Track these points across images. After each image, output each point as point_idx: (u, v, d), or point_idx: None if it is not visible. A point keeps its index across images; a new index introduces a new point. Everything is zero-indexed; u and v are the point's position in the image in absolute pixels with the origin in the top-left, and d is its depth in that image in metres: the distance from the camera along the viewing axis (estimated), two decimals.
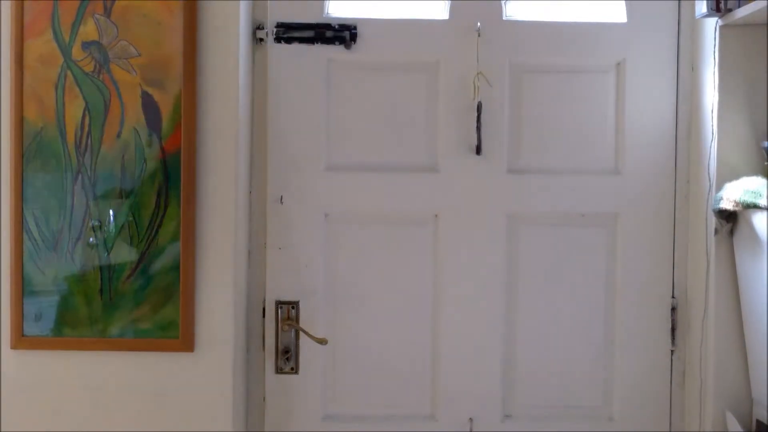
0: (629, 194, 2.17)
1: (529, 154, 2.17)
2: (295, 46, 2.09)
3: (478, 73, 2.11)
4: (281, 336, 2.11)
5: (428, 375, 2.16)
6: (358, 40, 2.10)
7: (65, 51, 1.91)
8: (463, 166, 2.14)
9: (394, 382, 2.15)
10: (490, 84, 2.10)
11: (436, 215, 2.15)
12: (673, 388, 2.19)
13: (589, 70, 2.18)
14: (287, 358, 2.11)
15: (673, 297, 2.18)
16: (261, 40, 2.10)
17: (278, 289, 2.12)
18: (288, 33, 2.10)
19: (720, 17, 2.00)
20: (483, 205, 2.15)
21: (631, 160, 2.17)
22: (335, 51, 2.10)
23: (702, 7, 2.01)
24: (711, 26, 2.05)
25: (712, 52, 2.04)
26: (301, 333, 2.10)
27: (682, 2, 2.16)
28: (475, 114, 2.11)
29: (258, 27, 2.09)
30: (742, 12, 1.92)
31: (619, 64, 2.15)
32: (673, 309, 2.17)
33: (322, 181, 2.12)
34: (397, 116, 2.14)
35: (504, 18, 2.14)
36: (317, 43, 2.10)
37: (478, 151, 2.12)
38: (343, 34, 2.10)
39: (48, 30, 1.90)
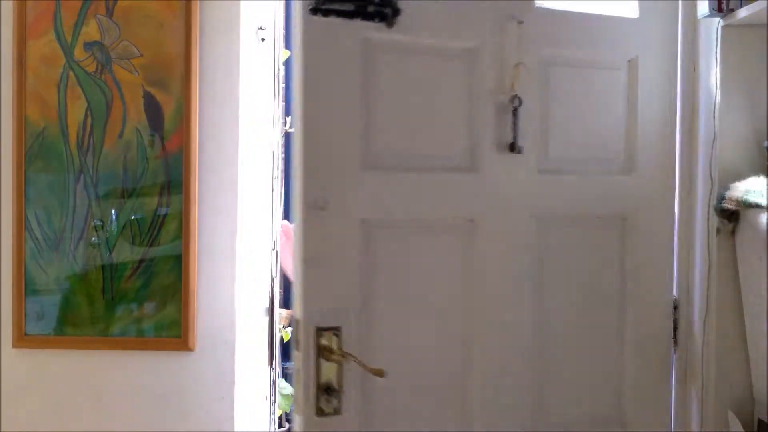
0: (640, 194, 2.13)
1: (554, 152, 2.03)
2: (331, 21, 1.79)
3: (517, 64, 1.90)
4: (323, 369, 1.70)
5: (467, 393, 1.92)
6: (399, 18, 1.83)
7: (67, 51, 1.91)
8: (500, 165, 1.94)
9: (433, 403, 1.91)
10: (530, 76, 1.91)
11: (472, 219, 1.93)
12: (675, 387, 2.19)
13: (605, 66, 2.07)
14: (328, 397, 1.71)
15: (674, 296, 2.17)
16: (263, 40, 2.10)
17: (316, 312, 1.72)
18: (326, 4, 1.81)
19: (722, 17, 2.00)
20: (518, 207, 1.98)
21: (641, 161, 2.13)
22: (374, 29, 1.82)
23: (704, 8, 2.01)
24: (712, 26, 2.04)
25: (714, 52, 2.04)
26: (340, 364, 1.73)
27: (684, 2, 2.16)
28: (511, 108, 1.92)
29: (260, 27, 2.10)
30: (743, 12, 1.91)
31: (631, 60, 2.11)
32: (675, 308, 2.17)
33: (359, 183, 1.84)
34: (434, 108, 1.92)
35: (536, 5, 1.96)
36: (356, 18, 1.81)
37: (513, 148, 1.93)
38: (385, 9, 1.84)
39: (50, 30, 1.91)
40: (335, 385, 1.68)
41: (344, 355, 1.66)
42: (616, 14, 2.09)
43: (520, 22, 1.89)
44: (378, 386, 1.72)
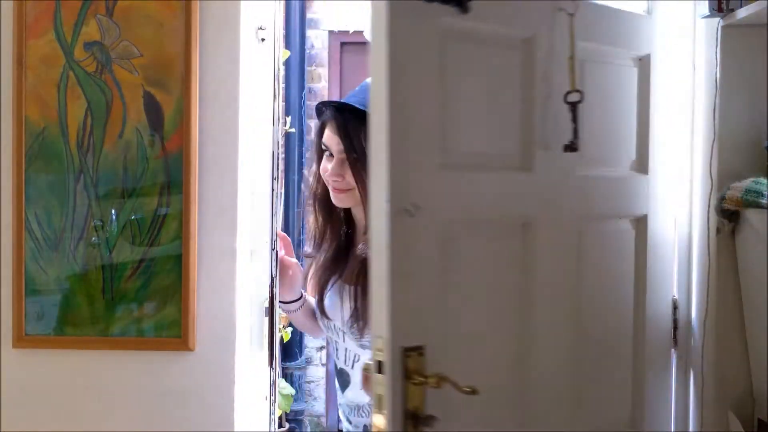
0: (654, 195, 2.11)
1: (588, 151, 1.89)
2: (413, 4, 1.56)
3: (569, 58, 1.77)
4: (412, 394, 1.47)
5: (533, 404, 1.82)
6: (471, 3, 1.63)
7: (67, 51, 1.91)
8: (556, 163, 1.82)
9: (510, 416, 1.80)
10: (575, 72, 1.78)
11: (531, 220, 1.81)
12: (675, 387, 2.19)
13: (624, 63, 2.03)
14: (416, 424, 1.48)
15: (674, 296, 2.17)
16: (263, 40, 2.10)
17: (402, 330, 1.50)
18: None
19: (722, 17, 2.00)
20: (569, 207, 1.88)
21: (653, 161, 2.10)
22: (450, 15, 1.61)
23: (704, 8, 2.01)
24: (712, 26, 2.05)
25: (714, 52, 2.04)
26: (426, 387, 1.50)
27: (684, 1, 2.15)
28: (569, 104, 1.78)
29: (260, 27, 2.10)
30: (743, 12, 1.92)
31: (641, 58, 2.07)
32: (675, 308, 2.17)
33: (438, 185, 1.61)
34: (502, 102, 1.76)
35: None
36: (434, 1, 1.60)
37: (573, 147, 1.78)
38: None
39: (50, 30, 1.91)
40: (421, 411, 1.48)
41: (441, 378, 1.46)
42: (634, 11, 2.06)
43: (571, 14, 1.79)
44: (465, 407, 1.54)
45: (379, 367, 1.46)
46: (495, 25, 1.72)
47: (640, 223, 2.07)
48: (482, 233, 1.71)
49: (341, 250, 2.25)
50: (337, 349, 2.26)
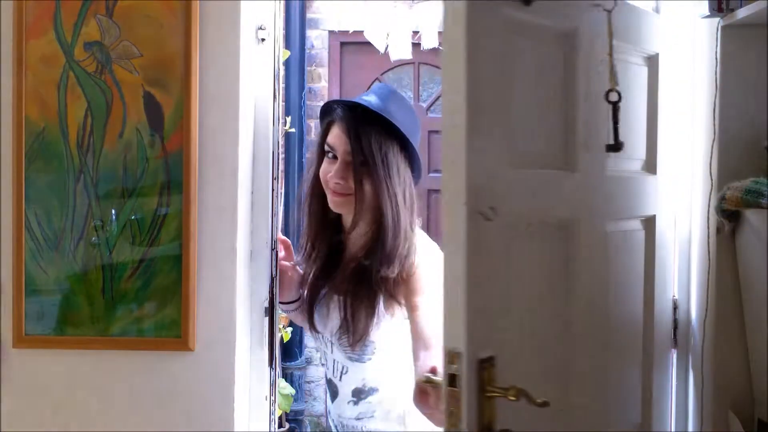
0: (662, 195, 2.09)
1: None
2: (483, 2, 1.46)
3: (608, 54, 1.71)
4: (486, 407, 1.40)
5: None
6: None
7: (67, 51, 1.91)
8: (599, 163, 1.79)
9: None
10: (613, 70, 1.72)
11: (570, 224, 1.74)
12: (675, 387, 2.19)
13: (633, 61, 1.98)
14: None
15: (674, 296, 2.17)
16: (263, 40, 2.10)
17: (477, 341, 1.41)
18: None
19: (722, 17, 2.00)
20: (602, 209, 1.85)
21: (660, 161, 2.08)
22: (513, 8, 1.54)
23: (704, 8, 2.01)
24: (712, 26, 2.05)
25: (714, 52, 2.04)
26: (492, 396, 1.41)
27: (684, 1, 2.15)
28: (610, 103, 1.71)
29: (260, 27, 2.10)
30: (743, 12, 1.92)
31: (651, 57, 2.03)
32: (675, 308, 2.17)
33: (506, 185, 1.53)
34: (550, 99, 1.71)
35: None
36: None
37: (616, 147, 1.72)
38: None
39: (50, 30, 1.91)
40: (494, 424, 1.39)
41: (519, 390, 1.37)
42: (646, 9, 2.04)
43: (608, 11, 1.72)
44: (530, 418, 1.45)
45: (452, 380, 1.37)
46: (548, 19, 1.65)
47: (649, 224, 2.05)
48: (535, 235, 1.62)
49: (331, 259, 2.16)
50: (326, 360, 2.21)
